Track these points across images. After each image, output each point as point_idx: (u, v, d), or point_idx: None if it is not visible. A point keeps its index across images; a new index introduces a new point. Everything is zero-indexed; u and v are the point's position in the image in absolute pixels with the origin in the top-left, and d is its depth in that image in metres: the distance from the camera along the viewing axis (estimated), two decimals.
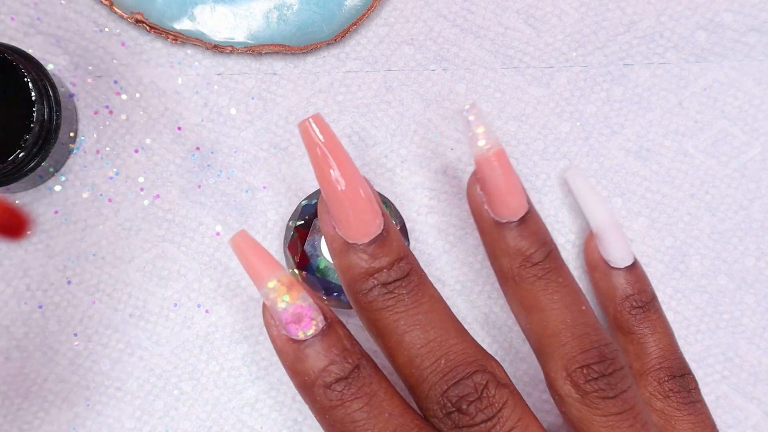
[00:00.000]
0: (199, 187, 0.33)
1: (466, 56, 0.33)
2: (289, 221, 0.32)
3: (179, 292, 0.33)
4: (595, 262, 0.32)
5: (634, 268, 0.31)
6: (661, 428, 0.30)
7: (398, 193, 0.33)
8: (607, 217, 0.32)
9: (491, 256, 0.29)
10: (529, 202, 0.28)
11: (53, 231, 0.32)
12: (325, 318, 0.27)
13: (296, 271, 0.32)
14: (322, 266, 0.31)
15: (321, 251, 0.31)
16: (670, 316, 0.33)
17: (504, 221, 0.28)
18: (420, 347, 0.27)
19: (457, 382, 0.26)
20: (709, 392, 0.33)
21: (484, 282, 0.33)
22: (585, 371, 0.27)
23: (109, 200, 0.32)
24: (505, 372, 0.27)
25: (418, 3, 0.33)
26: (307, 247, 0.31)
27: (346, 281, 0.28)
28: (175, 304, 0.33)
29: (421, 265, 0.33)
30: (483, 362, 0.27)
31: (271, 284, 0.26)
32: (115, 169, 0.32)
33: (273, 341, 0.27)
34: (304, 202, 0.32)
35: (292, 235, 0.32)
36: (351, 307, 0.32)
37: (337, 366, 0.26)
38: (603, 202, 0.32)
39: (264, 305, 0.27)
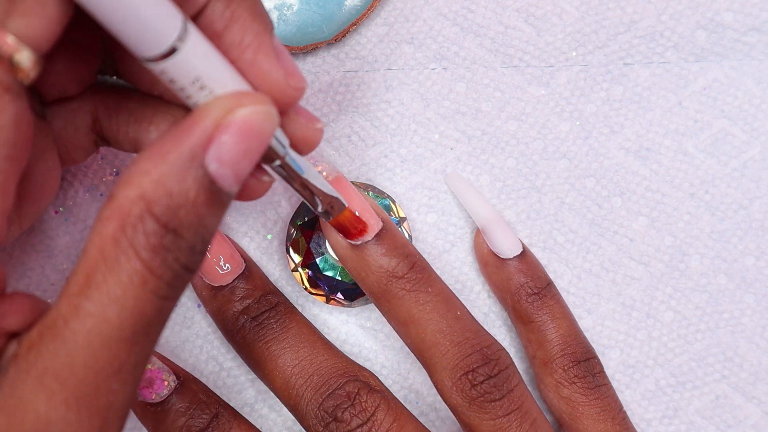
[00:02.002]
0: None
1: (466, 55, 0.33)
2: (291, 220, 0.32)
3: None
4: (486, 257, 0.32)
5: (524, 256, 0.31)
6: (568, 415, 0.30)
7: (398, 193, 0.33)
8: (488, 212, 0.32)
9: (359, 280, 0.29)
10: (382, 218, 0.28)
11: (53, 231, 0.32)
12: (178, 376, 0.29)
13: (300, 269, 0.32)
14: (326, 264, 0.31)
15: (326, 249, 0.32)
16: (669, 315, 0.33)
17: (359, 243, 0.28)
18: (293, 367, 0.28)
19: (330, 393, 0.27)
20: (709, 392, 0.33)
21: (484, 282, 0.33)
22: (470, 376, 0.27)
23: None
24: (379, 380, 0.29)
25: (418, 2, 0.33)
26: (312, 246, 0.31)
27: (219, 323, 0.30)
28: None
29: None
30: (353, 372, 0.28)
31: None
32: (115, 169, 0.32)
33: (133, 410, 0.29)
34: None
35: (295, 234, 0.32)
36: (353, 306, 0.32)
37: (196, 419, 0.28)
38: (483, 198, 0.32)
39: None
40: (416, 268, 0.28)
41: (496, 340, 0.28)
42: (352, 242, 0.28)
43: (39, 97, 0.23)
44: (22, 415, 0.18)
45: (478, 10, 0.33)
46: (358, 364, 0.29)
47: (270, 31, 0.21)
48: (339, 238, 0.28)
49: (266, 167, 0.23)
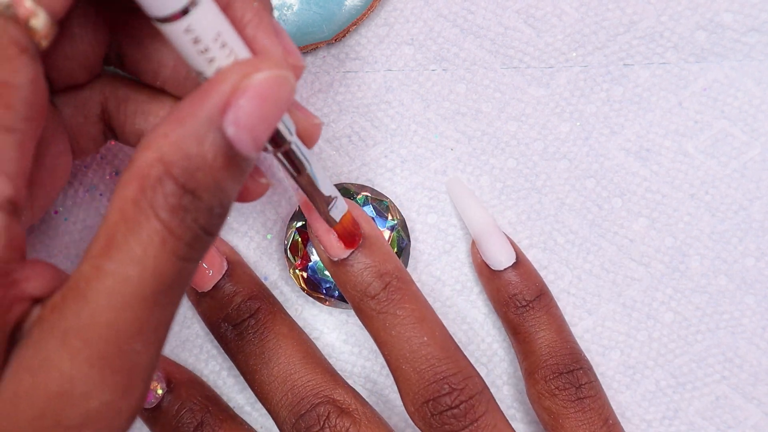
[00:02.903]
0: None
1: (466, 56, 0.33)
2: (289, 222, 0.32)
3: None
4: (480, 267, 0.32)
5: (518, 266, 0.31)
6: (551, 426, 0.29)
7: (398, 193, 0.33)
8: (482, 222, 0.32)
9: (342, 292, 0.29)
10: (365, 232, 0.28)
11: (53, 231, 0.32)
12: (169, 383, 0.30)
13: (297, 272, 0.32)
14: (323, 267, 0.31)
15: None
16: (670, 316, 0.33)
17: (336, 259, 0.28)
18: (269, 384, 0.29)
19: (302, 415, 0.28)
20: (709, 392, 0.33)
21: None
22: (431, 405, 0.27)
23: (109, 200, 0.32)
24: (355, 397, 0.29)
25: (418, 3, 0.33)
26: (309, 248, 0.31)
27: (207, 327, 0.31)
28: None
29: (422, 264, 0.33)
30: (327, 392, 0.28)
31: None
32: (114, 170, 0.32)
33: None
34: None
35: (294, 236, 0.32)
36: (350, 308, 0.32)
37: (183, 426, 0.29)
38: (480, 207, 0.32)
39: None
40: (389, 288, 0.28)
41: (467, 366, 0.28)
42: (332, 258, 0.28)
43: (48, 83, 0.23)
44: (46, 374, 0.18)
45: (478, 12, 0.33)
46: (336, 379, 0.29)
47: (269, 9, 0.21)
48: (321, 250, 0.28)
49: (278, 157, 0.23)
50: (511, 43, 0.33)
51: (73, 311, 0.18)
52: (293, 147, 0.23)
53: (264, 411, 0.33)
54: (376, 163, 0.33)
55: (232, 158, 0.19)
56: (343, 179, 0.33)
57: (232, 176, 0.20)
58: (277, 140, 0.22)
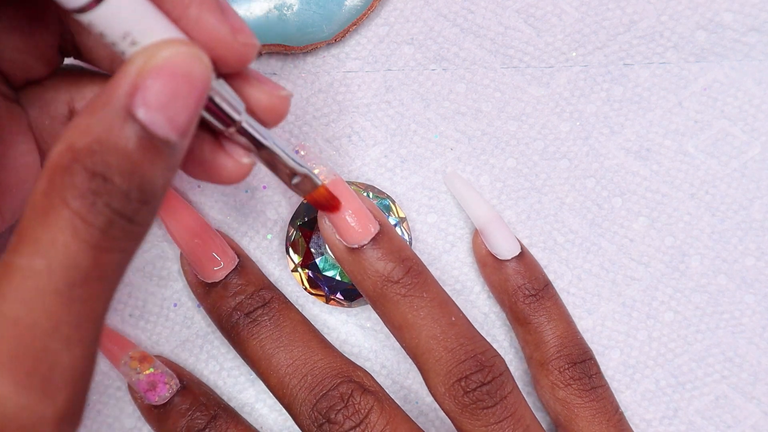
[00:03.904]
0: (199, 187, 0.33)
1: (466, 56, 0.33)
2: (291, 220, 0.32)
3: (179, 292, 0.33)
4: (484, 258, 0.32)
5: (522, 257, 0.31)
6: (564, 417, 0.30)
7: (398, 193, 0.33)
8: (486, 213, 0.32)
9: (356, 283, 0.29)
10: (380, 221, 0.28)
11: None
12: (181, 380, 0.30)
13: (300, 269, 0.32)
14: (326, 265, 0.31)
15: (325, 250, 0.32)
16: (669, 316, 0.33)
17: (356, 246, 0.28)
18: (287, 366, 0.28)
19: (324, 394, 0.27)
20: (708, 392, 0.33)
21: (484, 282, 0.33)
22: (463, 383, 0.27)
23: None
24: (374, 380, 0.29)
25: (418, 3, 0.33)
26: (311, 246, 0.31)
27: (215, 319, 0.30)
28: (175, 304, 0.33)
29: None
30: (348, 373, 0.28)
31: (124, 361, 0.29)
32: None
33: (141, 411, 0.31)
34: (306, 201, 0.32)
35: (295, 234, 0.32)
36: (353, 306, 0.32)
37: (195, 421, 0.29)
38: (481, 198, 0.32)
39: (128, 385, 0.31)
40: (412, 272, 0.28)
41: (491, 347, 0.28)
42: (350, 245, 0.28)
43: (6, 79, 0.23)
44: None
45: (478, 11, 0.33)
46: (354, 364, 0.29)
47: None
48: (336, 240, 0.28)
49: (236, 138, 0.23)
50: (511, 42, 0.33)
51: None
52: (244, 125, 0.22)
53: (264, 411, 0.33)
54: (376, 163, 0.33)
55: (149, 141, 0.18)
56: (344, 179, 0.33)
57: (152, 160, 0.19)
58: (226, 120, 0.22)
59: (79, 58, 0.24)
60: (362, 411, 0.27)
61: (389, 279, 0.28)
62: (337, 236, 0.28)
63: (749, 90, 0.34)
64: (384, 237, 0.28)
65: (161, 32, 0.19)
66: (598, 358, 0.33)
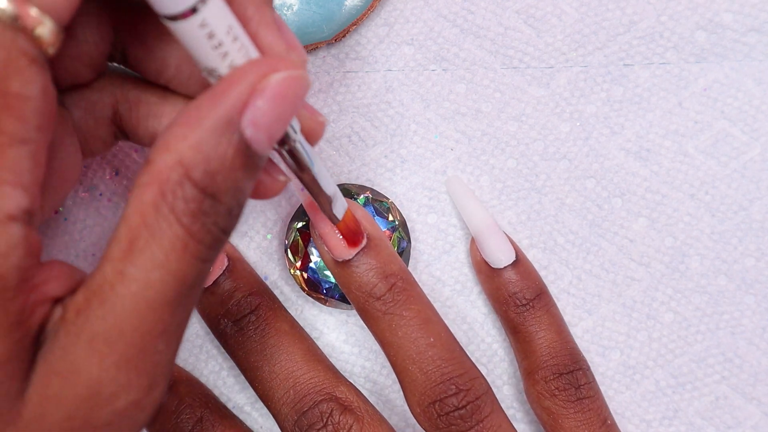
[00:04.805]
0: None
1: (466, 56, 0.33)
2: (290, 222, 0.32)
3: None
4: (479, 265, 0.32)
5: (517, 265, 0.31)
6: (550, 427, 0.30)
7: (398, 193, 0.33)
8: (481, 220, 0.32)
9: (344, 293, 0.29)
10: (369, 233, 0.28)
11: (52, 231, 0.32)
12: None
13: (298, 272, 0.32)
14: (324, 267, 0.31)
15: None
16: (670, 316, 0.33)
17: (341, 260, 0.28)
18: (270, 381, 0.29)
19: (304, 412, 0.28)
20: (708, 393, 0.33)
21: None
22: (437, 406, 0.27)
23: (109, 200, 0.32)
24: (358, 394, 0.29)
25: (418, 3, 0.33)
26: (310, 248, 0.31)
27: (206, 324, 0.31)
28: None
29: (422, 264, 0.33)
30: (330, 389, 0.28)
31: None
32: (114, 170, 0.32)
33: None
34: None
35: (293, 236, 0.32)
36: (351, 308, 0.32)
37: (182, 422, 0.29)
38: (479, 205, 0.32)
39: None
40: (395, 289, 0.28)
41: (472, 367, 0.28)
42: (337, 259, 0.28)
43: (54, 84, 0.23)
44: (75, 378, 0.19)
45: (478, 12, 0.33)
46: (338, 377, 0.29)
47: (270, 3, 0.21)
48: (325, 251, 0.28)
49: (283, 154, 0.23)
50: (511, 43, 0.33)
51: (98, 316, 0.19)
52: (297, 145, 0.23)
53: (264, 411, 0.33)
54: (376, 163, 0.33)
55: (250, 158, 0.19)
56: (343, 179, 0.33)
57: (248, 175, 0.20)
58: (282, 138, 0.22)
59: (125, 65, 0.24)
60: (341, 430, 0.27)
61: (371, 295, 0.28)
62: (326, 248, 0.28)
63: (749, 90, 0.34)
64: (371, 251, 0.28)
65: (249, 42, 0.20)
66: (598, 359, 0.33)
